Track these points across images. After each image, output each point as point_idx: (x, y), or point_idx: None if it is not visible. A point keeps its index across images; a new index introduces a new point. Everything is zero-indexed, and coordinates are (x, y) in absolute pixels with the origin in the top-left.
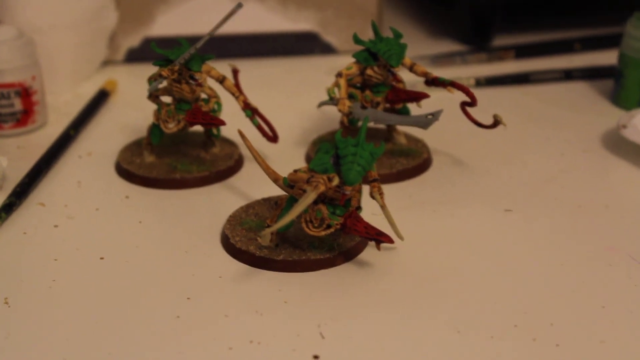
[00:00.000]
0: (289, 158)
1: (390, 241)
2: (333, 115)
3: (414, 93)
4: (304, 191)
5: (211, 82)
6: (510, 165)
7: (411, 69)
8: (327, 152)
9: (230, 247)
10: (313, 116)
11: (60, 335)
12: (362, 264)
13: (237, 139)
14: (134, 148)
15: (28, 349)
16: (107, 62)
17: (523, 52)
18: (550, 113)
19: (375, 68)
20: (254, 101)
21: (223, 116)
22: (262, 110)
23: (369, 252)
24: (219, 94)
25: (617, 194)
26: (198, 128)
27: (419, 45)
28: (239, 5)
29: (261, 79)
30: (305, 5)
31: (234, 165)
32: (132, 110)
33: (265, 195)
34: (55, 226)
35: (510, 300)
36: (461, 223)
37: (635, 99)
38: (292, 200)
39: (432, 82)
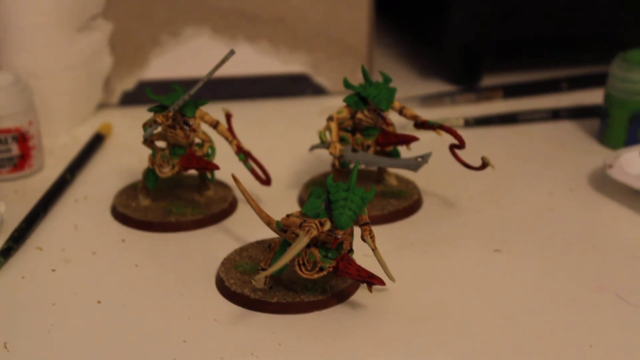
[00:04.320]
0: (281, 200)
1: (382, 283)
2: (325, 158)
3: (403, 136)
4: (297, 235)
5: (205, 127)
6: (499, 205)
7: (401, 112)
8: (319, 196)
9: (225, 290)
10: (305, 158)
11: None
12: (355, 305)
13: (230, 181)
14: (130, 192)
15: None
16: (102, 106)
17: (511, 91)
18: (538, 152)
19: (366, 112)
20: (246, 143)
21: (217, 160)
22: (255, 152)
23: (362, 294)
24: (212, 138)
25: (604, 233)
26: (193, 171)
27: (409, 86)
28: (232, 52)
29: (254, 120)
30: (297, 47)
31: (228, 208)
32: (127, 153)
33: (259, 237)
34: (53, 270)
35: (500, 340)
36: (452, 264)
37: (621, 138)
38: (285, 244)
39: (421, 125)
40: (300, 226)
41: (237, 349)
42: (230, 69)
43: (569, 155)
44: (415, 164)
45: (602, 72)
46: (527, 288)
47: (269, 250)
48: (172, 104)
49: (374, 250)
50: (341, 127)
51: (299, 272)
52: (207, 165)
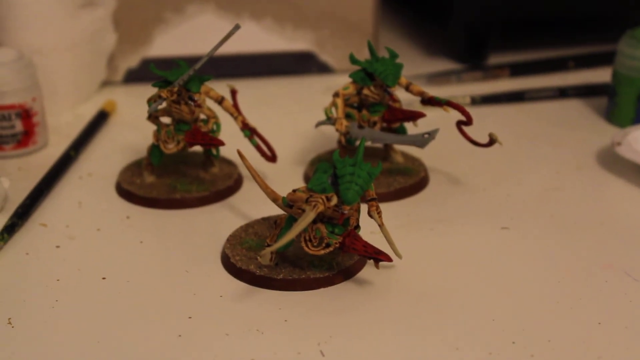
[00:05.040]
0: (287, 177)
1: (389, 259)
2: (331, 135)
3: (410, 112)
4: (303, 211)
5: (210, 103)
6: (506, 183)
7: (407, 88)
8: (325, 171)
9: (231, 267)
10: (311, 135)
11: (63, 355)
12: (361, 282)
13: (236, 158)
14: (134, 168)
15: None
16: (106, 83)
17: (518, 70)
18: (545, 131)
19: (372, 88)
20: (252, 121)
21: (222, 136)
22: (260, 130)
23: (368, 271)
24: (217, 114)
25: (612, 211)
26: (197, 148)
27: (415, 64)
28: (237, 27)
29: (259, 98)
30: (302, 25)
31: (233, 185)
32: (132, 130)
33: (265, 214)
34: (57, 247)
35: (507, 317)
36: (458, 241)
37: (629, 116)
38: (291, 220)
39: (428, 101)
40: (307, 201)
41: (242, 325)
42: (235, 47)
43: (576, 134)
44: (422, 141)
45: (610, 50)
46: (535, 266)
47: (275, 226)
48: (177, 79)
49: (381, 226)
50: (347, 103)
51: (305, 248)
52: (212, 141)
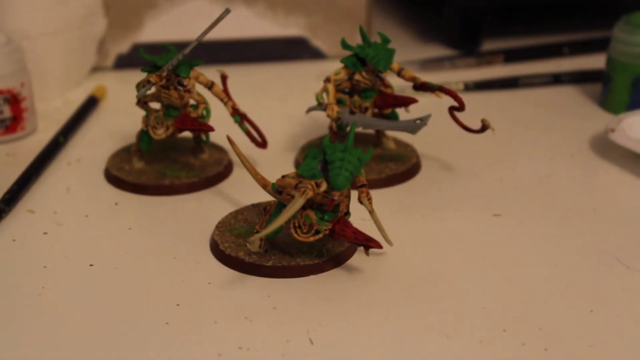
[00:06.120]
0: (277, 164)
1: (379, 246)
2: (322, 121)
3: (402, 98)
4: (293, 197)
5: (200, 88)
6: (499, 170)
7: (399, 74)
8: (315, 157)
9: (220, 253)
10: (302, 121)
11: (49, 342)
12: (351, 269)
13: (226, 144)
14: (123, 154)
15: (17, 356)
16: (96, 69)
17: (512, 56)
18: (539, 117)
19: (364, 73)
20: (242, 107)
21: (212, 122)
22: (251, 115)
23: (358, 258)
24: (207, 100)
25: (605, 197)
26: (187, 134)
27: (408, 50)
28: (227, 11)
29: (250, 84)
30: (294, 10)
31: (223, 171)
32: (121, 116)
33: (254, 201)
34: (45, 233)
35: (498, 305)
36: (450, 228)
37: (623, 102)
38: (280, 206)
39: (421, 87)
40: (296, 187)
41: (231, 312)
42: (226, 32)
43: (570, 120)
44: (414, 127)
45: (604, 37)
46: (527, 252)
47: (265, 213)
48: (166, 64)
49: (371, 212)
50: (339, 88)
51: (295, 235)
52: (201, 127)
